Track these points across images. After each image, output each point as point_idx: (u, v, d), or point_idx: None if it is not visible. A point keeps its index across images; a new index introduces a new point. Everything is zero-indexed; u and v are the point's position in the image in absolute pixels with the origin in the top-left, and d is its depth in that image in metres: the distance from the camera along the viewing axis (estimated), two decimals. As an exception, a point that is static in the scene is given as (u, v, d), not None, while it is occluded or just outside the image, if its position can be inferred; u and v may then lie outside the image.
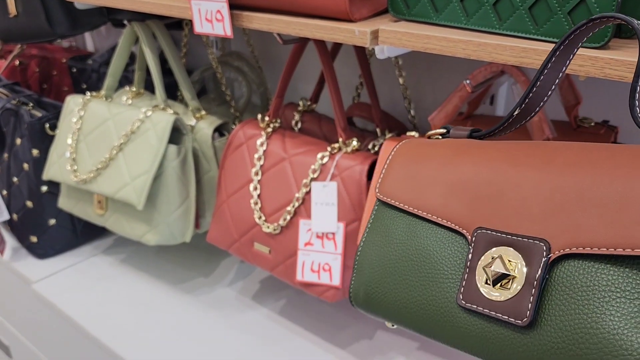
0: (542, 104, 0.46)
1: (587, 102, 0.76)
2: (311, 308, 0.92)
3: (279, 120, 0.83)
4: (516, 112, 0.46)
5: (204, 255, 1.07)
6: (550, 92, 0.46)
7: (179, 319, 0.90)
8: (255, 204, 0.79)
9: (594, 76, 0.46)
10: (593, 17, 0.41)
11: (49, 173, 0.94)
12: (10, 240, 1.10)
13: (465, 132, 0.51)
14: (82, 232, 1.08)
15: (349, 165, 0.72)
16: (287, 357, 0.82)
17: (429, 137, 0.53)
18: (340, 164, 0.73)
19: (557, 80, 0.45)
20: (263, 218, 0.78)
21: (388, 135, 0.79)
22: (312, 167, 0.74)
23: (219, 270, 1.03)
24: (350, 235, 0.72)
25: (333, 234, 0.72)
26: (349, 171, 0.72)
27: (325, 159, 0.74)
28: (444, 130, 0.52)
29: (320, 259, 0.73)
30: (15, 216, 1.04)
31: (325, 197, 0.72)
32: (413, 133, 0.71)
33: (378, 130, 0.82)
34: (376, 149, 0.78)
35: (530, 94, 0.45)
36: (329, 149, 0.74)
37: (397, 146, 0.52)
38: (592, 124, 0.69)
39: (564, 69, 0.45)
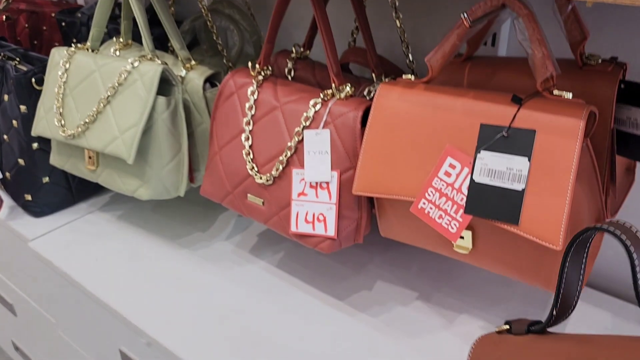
0: (576, 298, 0.50)
1: (593, 37, 0.71)
2: (309, 260, 0.91)
3: (270, 68, 0.79)
4: (554, 313, 0.51)
5: (201, 209, 1.06)
6: (579, 287, 0.50)
7: (177, 273, 0.89)
8: (247, 154, 0.76)
9: (602, 1, 0.42)
10: (593, 227, 0.45)
11: (37, 129, 0.92)
12: (6, 199, 1.08)
13: (524, 325, 0.54)
14: (77, 189, 1.06)
15: (343, 112, 0.69)
16: (285, 309, 0.81)
17: (497, 333, 0.55)
18: (334, 110, 0.70)
19: (580, 277, 0.49)
20: (255, 169, 0.76)
21: (384, 80, 0.76)
22: (305, 114, 0.71)
23: (216, 224, 1.02)
24: (344, 184, 0.69)
25: (327, 183, 0.70)
26: (342, 118, 0.69)
27: (318, 106, 0.71)
28: (507, 327, 0.55)
29: (314, 209, 0.71)
30: (8, 175, 1.02)
31: (318, 145, 0.69)
32: (409, 75, 0.68)
33: (374, 75, 0.78)
34: (372, 95, 0.75)
35: (560, 296, 0.50)
36: (321, 95, 0.71)
37: (474, 348, 0.55)
38: (599, 61, 0.65)
39: (582, 266, 0.49)
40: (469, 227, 0.63)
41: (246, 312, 0.81)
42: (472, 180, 0.58)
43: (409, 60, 0.82)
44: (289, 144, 0.72)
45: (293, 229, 0.72)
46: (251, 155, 0.76)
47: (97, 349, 0.99)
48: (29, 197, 1.02)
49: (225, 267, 0.90)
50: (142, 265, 0.91)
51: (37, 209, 1.03)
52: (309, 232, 0.72)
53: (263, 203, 0.76)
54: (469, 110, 0.60)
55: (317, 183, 0.70)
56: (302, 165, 0.71)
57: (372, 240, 0.96)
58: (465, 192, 0.59)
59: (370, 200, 0.72)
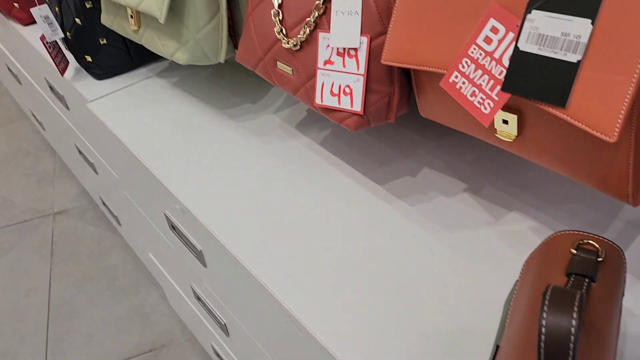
0: None
1: None
2: (355, 140, 0.84)
3: None
4: None
5: (256, 80, 1.01)
6: None
7: (219, 144, 0.87)
8: (276, 15, 0.68)
9: None
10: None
11: (83, -15, 0.89)
12: (71, 60, 1.11)
13: None
14: (136, 53, 1.05)
15: (377, -38, 0.57)
16: (319, 188, 0.76)
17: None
18: (368, -40, 0.58)
19: None
20: (284, 32, 0.67)
21: None
22: (337, -34, 0.60)
23: (268, 96, 0.97)
24: (375, 52, 0.59)
25: (355, 50, 0.60)
26: (376, -31, 0.57)
27: (352, -45, 0.59)
28: None
29: (340, 80, 0.62)
30: (68, 34, 1.03)
31: (348, 3, 0.59)
32: None
33: None
34: (424, -58, 0.61)
35: None
36: (357, -59, 0.59)
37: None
38: None
39: None
40: (515, 110, 0.52)
41: (278, 188, 0.77)
42: (516, 48, 0.46)
43: None
44: (317, 2, 0.62)
45: (317, 101, 0.65)
46: (280, 16, 0.67)
47: (150, 210, 1.04)
48: (89, 59, 1.03)
49: (267, 141, 0.86)
50: (187, 133, 0.89)
51: (98, 71, 1.04)
52: (334, 106, 0.64)
53: (292, 71, 0.69)
54: (528, -45, 0.46)
55: (344, 49, 0.61)
56: (330, 29, 0.62)
57: (429, 124, 0.86)
58: (506, 63, 0.47)
59: (408, 73, 0.62)
